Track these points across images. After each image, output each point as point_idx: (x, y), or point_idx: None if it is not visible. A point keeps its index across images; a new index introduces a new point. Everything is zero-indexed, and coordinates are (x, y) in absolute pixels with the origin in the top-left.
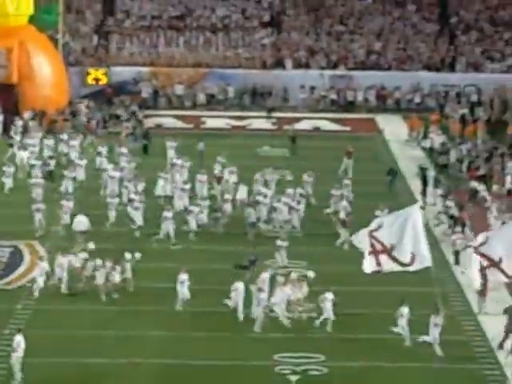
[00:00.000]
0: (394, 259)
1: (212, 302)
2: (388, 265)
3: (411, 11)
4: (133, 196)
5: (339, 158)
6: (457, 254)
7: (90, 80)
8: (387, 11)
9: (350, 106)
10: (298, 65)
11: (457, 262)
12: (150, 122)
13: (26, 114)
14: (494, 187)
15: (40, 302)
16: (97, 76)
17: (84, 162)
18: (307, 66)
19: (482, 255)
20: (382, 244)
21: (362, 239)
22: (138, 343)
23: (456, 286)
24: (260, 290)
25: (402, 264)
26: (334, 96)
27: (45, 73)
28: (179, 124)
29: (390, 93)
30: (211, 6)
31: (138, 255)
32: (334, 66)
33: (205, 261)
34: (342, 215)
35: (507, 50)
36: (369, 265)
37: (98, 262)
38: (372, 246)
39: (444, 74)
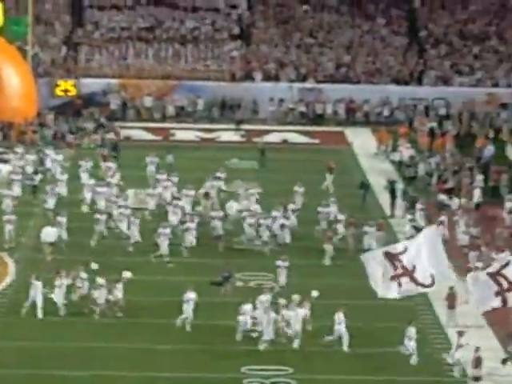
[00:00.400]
0: (416, 281)
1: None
2: (409, 286)
3: (380, 24)
4: (126, 211)
5: (308, 170)
6: None
7: (58, 91)
8: (356, 24)
9: (319, 119)
10: (267, 77)
11: None
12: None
13: None
14: (462, 201)
15: (9, 313)
16: (66, 87)
17: (65, 177)
18: (276, 78)
19: (398, 262)
20: (404, 266)
21: (375, 261)
22: (105, 356)
23: (424, 299)
24: (268, 310)
25: (423, 285)
26: (303, 109)
27: (13, 84)
28: (148, 136)
29: (359, 106)
30: (180, 18)
31: (128, 274)
32: (304, 79)
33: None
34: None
35: (476, 64)
36: (387, 290)
37: (100, 280)
38: (395, 269)
39: (413, 87)
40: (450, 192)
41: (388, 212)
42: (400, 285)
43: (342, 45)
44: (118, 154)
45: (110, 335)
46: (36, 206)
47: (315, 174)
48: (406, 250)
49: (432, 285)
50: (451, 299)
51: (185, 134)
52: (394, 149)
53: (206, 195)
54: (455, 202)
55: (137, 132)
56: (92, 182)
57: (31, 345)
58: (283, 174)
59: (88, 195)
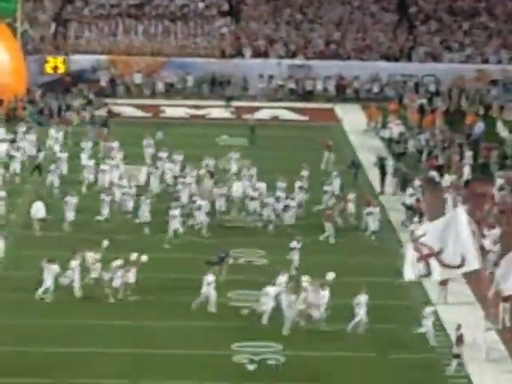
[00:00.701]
0: (443, 263)
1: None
2: (437, 268)
3: (370, 1)
4: (131, 191)
5: (298, 147)
6: None
7: (48, 68)
8: (346, 1)
9: (309, 96)
10: (257, 54)
11: None
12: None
13: None
14: (452, 177)
15: None
16: (55, 64)
17: (65, 156)
18: (266, 55)
19: (422, 245)
20: (430, 248)
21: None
22: (96, 332)
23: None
24: (289, 292)
25: (450, 267)
26: (292, 85)
27: (3, 61)
28: (138, 113)
29: (349, 82)
30: None
31: (144, 258)
32: (293, 56)
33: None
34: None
35: (466, 40)
36: (414, 271)
37: (118, 262)
38: (419, 251)
39: (402, 63)
40: (439, 169)
41: (378, 189)
42: (428, 266)
43: (331, 21)
44: (108, 130)
45: (107, 313)
46: (28, 183)
47: (305, 150)
48: (428, 232)
49: (462, 266)
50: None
51: (175, 110)
52: (384, 125)
53: (211, 174)
54: (445, 179)
55: (126, 109)
56: (91, 163)
57: (21, 322)
58: (273, 150)
59: (89, 176)
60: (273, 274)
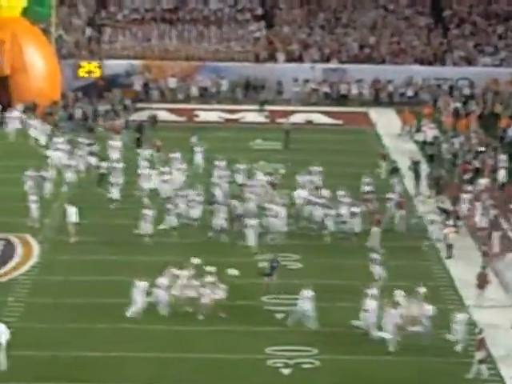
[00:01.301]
0: None
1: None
2: None
3: (404, 5)
4: (197, 198)
5: (331, 151)
6: (449, 247)
7: (82, 73)
8: (380, 5)
9: (343, 100)
10: (291, 58)
11: (449, 255)
12: (142, 116)
13: (19, 107)
14: (486, 181)
15: (32, 295)
16: (89, 69)
17: (121, 165)
18: (300, 59)
19: None
20: None
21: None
22: (132, 337)
23: (448, 280)
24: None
25: None
26: (327, 89)
27: (37, 65)
28: (172, 117)
29: (383, 86)
30: None
31: (234, 271)
32: (327, 60)
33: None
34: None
35: (500, 44)
36: None
37: (208, 279)
38: None
39: (437, 67)
40: (474, 172)
41: (412, 192)
42: None
43: (365, 25)
44: (143, 135)
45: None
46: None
47: (339, 155)
48: None
49: None
50: (482, 279)
51: (209, 114)
52: (418, 129)
53: (273, 185)
54: (479, 183)
55: (161, 113)
56: (152, 172)
57: (53, 327)
58: (307, 154)
59: (146, 185)
60: (306, 277)
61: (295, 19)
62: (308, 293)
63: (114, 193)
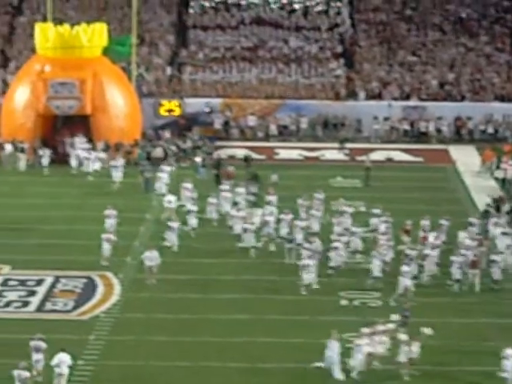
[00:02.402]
0: None
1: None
2: None
3: (484, 42)
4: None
5: (411, 188)
6: None
7: (163, 111)
8: (460, 42)
9: (423, 137)
10: (370, 96)
11: None
12: (222, 153)
13: (99, 145)
14: None
15: (113, 332)
16: (170, 107)
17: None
18: (380, 96)
19: None
20: None
21: None
22: (212, 374)
23: None
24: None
25: None
26: (406, 127)
27: (118, 104)
28: (252, 155)
29: (463, 123)
30: (284, 38)
31: (428, 330)
32: (407, 97)
33: None
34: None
35: None
36: None
37: (403, 336)
38: None
39: None
40: None
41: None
42: None
43: (445, 62)
44: (221, 172)
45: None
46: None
47: (419, 192)
48: None
49: None
50: None
51: (289, 152)
52: (498, 166)
53: (407, 232)
54: None
55: (241, 151)
56: (241, 213)
57: (135, 365)
58: (386, 192)
59: (238, 227)
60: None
61: (375, 57)
62: None
63: (192, 223)
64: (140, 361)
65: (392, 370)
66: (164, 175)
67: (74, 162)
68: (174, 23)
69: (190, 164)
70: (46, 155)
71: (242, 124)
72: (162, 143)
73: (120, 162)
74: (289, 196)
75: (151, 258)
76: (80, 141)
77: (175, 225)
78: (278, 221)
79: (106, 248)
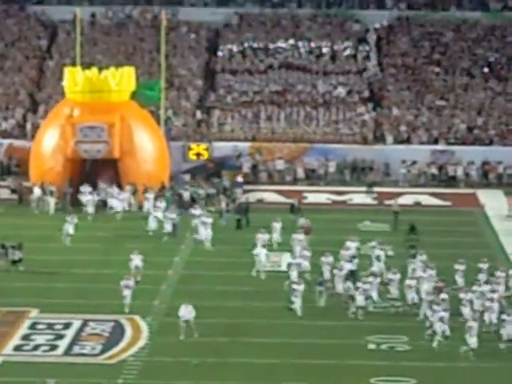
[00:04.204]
0: None
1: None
2: None
3: None
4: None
5: (440, 232)
6: None
7: (191, 155)
8: (488, 86)
9: (451, 181)
10: (399, 140)
11: None
12: (250, 197)
13: (127, 189)
14: None
15: (141, 376)
16: (198, 151)
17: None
18: (408, 140)
19: None
20: None
21: None
22: None
23: None
24: None
25: None
26: (435, 171)
27: (146, 148)
28: (280, 199)
29: (492, 168)
30: (312, 82)
31: None
32: (435, 141)
33: None
34: None
35: None
36: None
37: None
38: None
39: None
40: None
41: None
42: None
43: (473, 107)
44: (245, 216)
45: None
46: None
47: (448, 236)
48: None
49: None
50: None
51: (317, 196)
52: None
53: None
54: None
55: (269, 195)
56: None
57: None
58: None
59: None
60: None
61: (403, 101)
62: None
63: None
64: None
65: None
66: (207, 219)
67: (90, 209)
68: (202, 67)
69: (215, 209)
70: (90, 203)
71: (270, 168)
72: (188, 187)
73: (162, 204)
74: (317, 240)
75: (187, 312)
76: (103, 186)
77: None
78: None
79: (127, 295)
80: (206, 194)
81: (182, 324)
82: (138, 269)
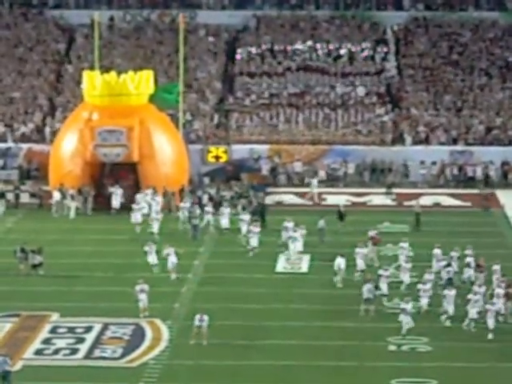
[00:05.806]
0: None
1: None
2: None
3: None
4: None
5: (459, 233)
6: None
7: (210, 158)
8: (507, 86)
9: (471, 182)
10: (417, 141)
11: None
12: (269, 200)
13: (147, 192)
14: None
15: (162, 379)
16: (217, 154)
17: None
18: (427, 141)
19: None
20: None
21: None
22: None
23: None
24: None
25: None
26: (454, 171)
27: (165, 151)
28: (299, 201)
29: (511, 168)
30: (330, 84)
31: None
32: (454, 142)
33: None
34: None
35: None
36: None
37: None
38: None
39: None
40: None
41: None
42: None
43: (492, 107)
44: (262, 218)
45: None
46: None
47: (467, 236)
48: None
49: None
50: None
51: (336, 198)
52: None
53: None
54: None
55: (288, 197)
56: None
57: None
58: (435, 237)
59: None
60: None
61: (421, 101)
62: None
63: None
64: None
65: None
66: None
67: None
68: (220, 70)
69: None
70: (117, 198)
71: (289, 170)
72: (208, 190)
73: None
74: (335, 241)
75: (201, 320)
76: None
77: None
78: None
79: (143, 298)
80: (231, 197)
81: (194, 329)
82: (173, 264)
